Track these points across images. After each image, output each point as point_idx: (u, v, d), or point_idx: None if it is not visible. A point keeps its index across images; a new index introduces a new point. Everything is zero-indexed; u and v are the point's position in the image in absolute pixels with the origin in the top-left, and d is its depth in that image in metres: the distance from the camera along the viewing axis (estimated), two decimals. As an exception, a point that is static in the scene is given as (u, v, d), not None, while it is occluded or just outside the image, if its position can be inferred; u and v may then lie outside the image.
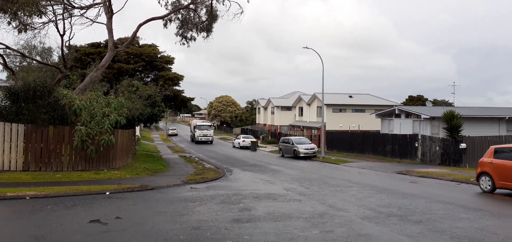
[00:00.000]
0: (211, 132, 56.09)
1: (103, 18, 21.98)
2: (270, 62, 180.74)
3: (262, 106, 76.93)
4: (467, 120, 30.28)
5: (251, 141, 45.02)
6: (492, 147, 14.67)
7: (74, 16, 21.38)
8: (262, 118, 77.56)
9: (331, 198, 12.26)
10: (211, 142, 55.91)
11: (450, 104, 59.44)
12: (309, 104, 57.78)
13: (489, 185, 13.95)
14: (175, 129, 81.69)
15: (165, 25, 24.14)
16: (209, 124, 58.72)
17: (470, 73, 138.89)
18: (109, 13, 21.60)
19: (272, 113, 70.76)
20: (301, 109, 62.18)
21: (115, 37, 28.95)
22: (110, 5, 21.62)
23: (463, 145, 25.15)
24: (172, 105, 47.84)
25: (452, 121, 26.50)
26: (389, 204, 11.22)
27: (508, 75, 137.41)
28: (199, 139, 55.00)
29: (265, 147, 49.27)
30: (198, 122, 62.69)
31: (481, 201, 12.44)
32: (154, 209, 10.07)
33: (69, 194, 11.74)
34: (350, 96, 57.61)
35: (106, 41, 27.82)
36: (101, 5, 21.77)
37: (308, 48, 35.63)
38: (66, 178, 15.01)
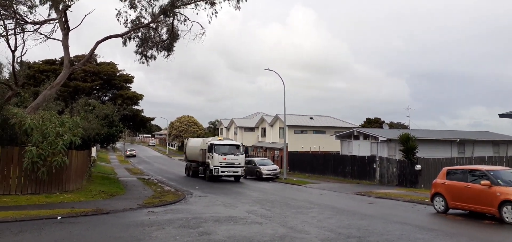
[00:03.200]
0: (241, 158, 29.20)
1: (58, 34, 21.19)
2: (232, 82, 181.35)
3: (225, 127, 76.65)
4: (422, 142, 31.54)
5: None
6: (445, 169, 15.30)
7: (27, 31, 20.43)
8: (224, 139, 77.15)
9: (292, 220, 12.22)
10: (238, 178, 29.65)
11: (406, 127, 61.88)
12: (271, 125, 58.19)
13: (443, 206, 14.47)
14: (133, 150, 79.38)
15: (124, 43, 23.60)
16: (237, 144, 30.31)
17: (423, 97, 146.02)
18: (65, 29, 20.87)
19: (235, 133, 70.60)
20: (263, 130, 62.48)
21: (72, 54, 27.99)
22: (66, 21, 20.91)
23: (418, 167, 26.08)
24: (131, 125, 46.44)
25: (408, 143, 27.50)
26: (348, 226, 11.33)
27: (458, 99, 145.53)
28: (221, 173, 27.99)
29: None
30: (216, 140, 30.12)
31: (435, 221, 12.85)
32: (109, 234, 9.59)
33: (17, 219, 10.98)
34: (311, 118, 58.65)
35: (62, 58, 26.83)
36: (57, 21, 20.99)
37: (270, 69, 36.06)
38: (14, 202, 14.06)
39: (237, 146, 29.68)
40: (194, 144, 34.25)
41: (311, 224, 11.63)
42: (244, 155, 29.84)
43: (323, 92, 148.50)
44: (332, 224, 11.51)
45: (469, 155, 34.18)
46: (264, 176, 32.42)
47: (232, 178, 29.90)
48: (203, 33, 23.85)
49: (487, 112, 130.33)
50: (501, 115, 27.25)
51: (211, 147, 28.56)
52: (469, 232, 11.04)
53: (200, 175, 31.85)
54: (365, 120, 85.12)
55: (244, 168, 29.85)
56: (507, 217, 12.15)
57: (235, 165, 28.59)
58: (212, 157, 28.25)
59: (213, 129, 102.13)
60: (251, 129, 68.00)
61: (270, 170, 33.05)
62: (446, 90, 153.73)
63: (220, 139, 30.68)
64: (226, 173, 28.29)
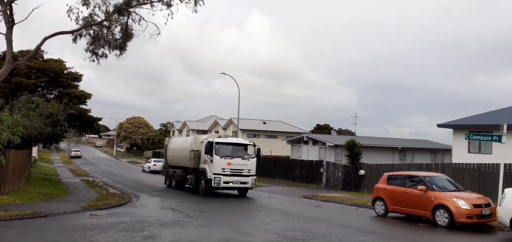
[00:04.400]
0: (252, 164, 21.23)
1: (2, 27, 19.94)
2: (186, 85, 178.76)
3: (177, 129, 75.51)
4: (367, 149, 32.96)
5: (163, 165, 43.51)
6: (386, 174, 16.11)
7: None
8: (176, 142, 75.86)
9: (240, 223, 12.30)
10: (245, 192, 21.91)
11: (353, 134, 64.28)
12: (225, 129, 58.16)
13: (383, 209, 15.21)
14: (78, 151, 75.92)
15: (74, 40, 22.64)
16: (246, 143, 22.08)
17: (370, 106, 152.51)
18: (10, 22, 19.67)
19: (187, 136, 69.77)
20: (217, 133, 62.33)
21: (16, 49, 26.41)
22: (11, 14, 19.71)
23: (362, 172, 27.20)
24: (77, 125, 44.51)
25: (353, 149, 28.61)
26: (293, 228, 11.60)
27: (402, 109, 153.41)
28: (224, 184, 20.44)
29: (177, 171, 48.04)
30: (216, 138, 21.50)
31: (375, 224, 13.49)
32: (45, 238, 9.15)
33: None
34: (264, 123, 59.36)
35: (4, 53, 25.20)
36: (0, 14, 19.72)
37: (225, 74, 36.14)
38: None
39: (246, 147, 21.31)
40: (180, 144, 26.24)
41: (258, 227, 11.79)
42: (255, 159, 21.24)
43: (277, 98, 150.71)
44: (278, 227, 11.74)
45: (409, 161, 36.18)
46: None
47: (235, 191, 22.10)
48: (158, 34, 23.39)
49: (427, 122, 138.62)
50: (439, 125, 29.19)
51: (209, 148, 20.27)
52: (405, 235, 11.71)
53: (187, 186, 23.83)
54: (315, 126, 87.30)
55: (255, 177, 21.27)
56: (440, 220, 13.01)
57: (243, 173, 20.48)
58: (211, 161, 20.11)
59: (165, 131, 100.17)
60: (204, 132, 67.48)
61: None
62: (392, 100, 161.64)
63: (222, 137, 21.94)
64: (231, 184, 20.37)
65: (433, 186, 13.85)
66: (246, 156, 20.98)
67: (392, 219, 14.69)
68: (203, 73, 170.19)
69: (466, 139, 17.39)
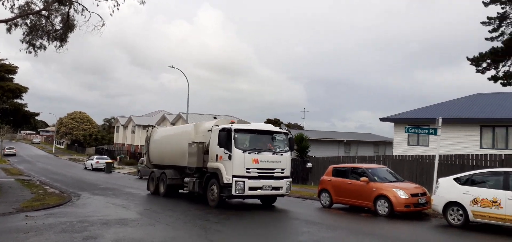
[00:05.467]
0: (286, 159, 14.99)
1: None
2: (132, 78, 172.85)
3: (122, 125, 72.80)
4: (314, 142, 33.80)
5: (106, 162, 41.88)
6: (331, 167, 16.59)
7: None
8: (121, 138, 73.29)
9: (187, 222, 12.05)
10: (273, 200, 16.11)
11: (301, 128, 65.73)
12: (173, 124, 56.91)
13: (328, 201, 15.66)
14: (13, 148, 70.82)
15: (9, 30, 20.87)
16: (277, 130, 15.56)
17: (318, 101, 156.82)
18: None
19: (133, 132, 67.53)
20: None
21: None
22: None
23: (309, 165, 27.84)
24: (12, 121, 41.46)
25: (301, 143, 29.19)
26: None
27: (347, 104, 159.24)
28: (249, 191, 14.07)
29: (122, 169, 46.52)
30: (236, 124, 14.92)
31: (320, 215, 13.85)
32: (-29, 244, 8.39)
33: None
34: (215, 117, 58.79)
35: None
36: None
37: (174, 67, 35.39)
38: None
39: (275, 135, 15.38)
40: (171, 135, 19.70)
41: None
42: (289, 153, 15.36)
43: (228, 92, 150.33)
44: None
45: (353, 154, 37.65)
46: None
47: (257, 200, 16.13)
48: (103, 25, 22.09)
49: (371, 116, 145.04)
50: (381, 119, 30.56)
51: (226, 138, 14.18)
52: (348, 225, 12.13)
53: (184, 192, 18.23)
54: (266, 120, 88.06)
55: (290, 180, 15.20)
56: (380, 210, 13.61)
57: (275, 174, 14.60)
58: (229, 157, 14.05)
59: (109, 127, 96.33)
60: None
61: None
62: (338, 95, 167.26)
63: (242, 124, 15.45)
64: (259, 191, 14.26)
65: (375, 177, 14.45)
66: (278, 149, 14.90)
67: (337, 210, 15.16)
68: (151, 66, 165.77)
69: (405, 132, 18.36)
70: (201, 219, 12.11)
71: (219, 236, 9.83)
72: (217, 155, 14.70)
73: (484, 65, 39.40)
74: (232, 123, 14.91)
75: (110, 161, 43.38)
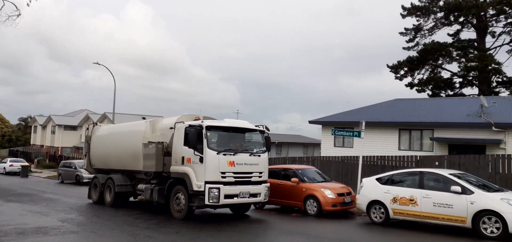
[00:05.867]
0: (263, 161, 13.16)
1: None
2: (52, 74, 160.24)
3: (40, 125, 67.40)
4: (245, 144, 34.01)
5: (22, 165, 38.41)
6: (263, 168, 16.81)
7: None
8: (40, 139, 67.85)
9: (111, 228, 11.47)
10: (247, 208, 14.51)
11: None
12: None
13: (260, 202, 15.85)
14: None
15: None
16: (253, 127, 13.52)
17: (251, 103, 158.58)
18: None
19: (53, 132, 62.87)
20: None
21: None
22: None
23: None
24: None
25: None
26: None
27: (278, 106, 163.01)
28: (225, 201, 12.03)
29: (41, 172, 43.08)
30: (209, 121, 12.85)
31: (253, 216, 13.96)
32: None
33: None
34: (144, 118, 56.83)
35: None
36: None
37: (99, 63, 33.53)
38: None
39: (251, 133, 13.59)
40: (119, 133, 16.80)
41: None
42: (266, 154, 13.42)
43: (158, 91, 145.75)
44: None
45: (284, 155, 38.65)
46: (85, 180, 29.66)
47: (228, 209, 14.42)
48: (18, 15, 20.25)
49: (300, 118, 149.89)
50: (310, 122, 31.69)
51: (196, 137, 12.11)
52: (279, 225, 12.41)
53: (137, 200, 16.53)
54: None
55: (268, 185, 13.37)
56: (310, 210, 14.11)
57: (252, 179, 12.69)
58: (201, 160, 11.95)
59: (25, 127, 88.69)
60: (74, 128, 61.71)
61: (94, 173, 30.24)
62: (269, 97, 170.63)
63: (212, 120, 13.34)
64: (236, 199, 12.28)
65: (305, 178, 14.95)
66: (255, 150, 13.03)
67: (269, 210, 15.43)
68: (72, 61, 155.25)
69: (332, 134, 19.23)
70: (130, 225, 11.61)
71: (149, 242, 9.49)
72: (183, 158, 12.42)
73: (402, 72, 42.88)
74: (197, 119, 13.06)
75: (26, 164, 39.89)
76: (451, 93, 40.71)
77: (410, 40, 43.39)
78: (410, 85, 41.93)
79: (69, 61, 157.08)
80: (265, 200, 13.22)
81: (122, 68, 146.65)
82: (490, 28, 40.09)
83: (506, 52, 40.60)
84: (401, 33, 43.55)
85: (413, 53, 41.88)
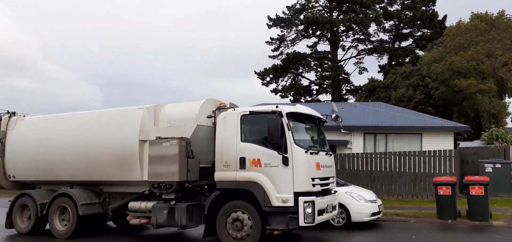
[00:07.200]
0: (333, 162, 10.10)
1: None
2: None
3: None
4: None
5: None
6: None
7: None
8: None
9: None
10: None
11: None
12: None
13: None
14: None
15: None
16: (319, 115, 9.95)
17: (116, 104, 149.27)
18: None
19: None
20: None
21: None
22: None
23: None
24: None
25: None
26: None
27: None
28: (319, 218, 8.58)
29: None
30: (288, 107, 9.19)
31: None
32: None
33: None
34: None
35: None
36: None
37: None
38: None
39: (320, 123, 10.03)
40: (89, 124, 10.88)
41: None
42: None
43: (3, 90, 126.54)
44: None
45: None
46: None
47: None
48: None
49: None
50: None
51: (275, 128, 8.28)
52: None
53: (134, 222, 9.89)
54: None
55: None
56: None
57: (330, 188, 9.62)
58: (288, 161, 8.31)
59: None
60: None
61: None
62: (138, 98, 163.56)
63: (289, 107, 9.37)
64: (325, 216, 9.05)
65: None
66: (326, 148, 9.87)
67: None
68: None
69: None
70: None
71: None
72: (243, 159, 8.60)
73: (268, 79, 45.67)
74: (222, 105, 9.73)
75: None
76: (309, 99, 44.82)
77: (275, 49, 46.55)
78: (275, 91, 44.92)
79: None
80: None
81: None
82: (341, 42, 45.61)
83: (354, 64, 46.70)
84: (267, 42, 46.42)
85: (277, 62, 45.02)
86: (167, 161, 9.02)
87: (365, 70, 46.17)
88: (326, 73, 42.34)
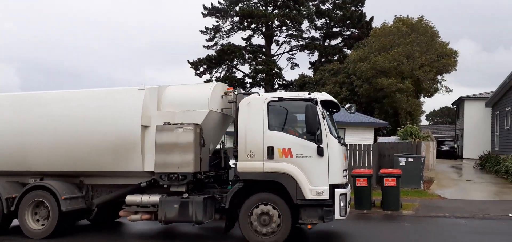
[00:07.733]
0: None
1: None
2: None
3: None
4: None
5: None
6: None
7: None
8: None
9: None
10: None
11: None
12: None
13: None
14: None
15: None
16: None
17: (36, 89, 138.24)
18: None
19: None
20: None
21: None
22: None
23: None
24: None
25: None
26: None
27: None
28: (346, 210, 8.31)
29: None
30: (321, 95, 8.52)
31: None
32: None
33: None
34: None
35: None
36: None
37: None
38: None
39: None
40: (73, 105, 9.13)
41: None
42: None
43: None
44: None
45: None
46: None
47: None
48: None
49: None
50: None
51: (312, 117, 7.64)
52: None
53: (126, 218, 8.90)
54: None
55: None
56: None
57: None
58: (321, 151, 7.78)
59: None
60: None
61: None
62: (61, 84, 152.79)
63: (318, 94, 8.35)
64: (349, 208, 8.79)
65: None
66: (342, 139, 9.33)
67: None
68: None
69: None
70: None
71: None
72: (271, 149, 7.93)
73: (202, 69, 45.18)
74: (229, 90, 9.13)
75: None
76: (243, 91, 45.10)
77: (210, 39, 46.14)
78: (209, 82, 44.60)
79: None
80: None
81: None
82: (275, 37, 46.46)
83: (286, 59, 47.84)
84: (202, 32, 45.84)
85: (212, 52, 44.69)
86: (180, 150, 8.08)
87: (297, 65, 47.61)
88: (260, 66, 42.93)
